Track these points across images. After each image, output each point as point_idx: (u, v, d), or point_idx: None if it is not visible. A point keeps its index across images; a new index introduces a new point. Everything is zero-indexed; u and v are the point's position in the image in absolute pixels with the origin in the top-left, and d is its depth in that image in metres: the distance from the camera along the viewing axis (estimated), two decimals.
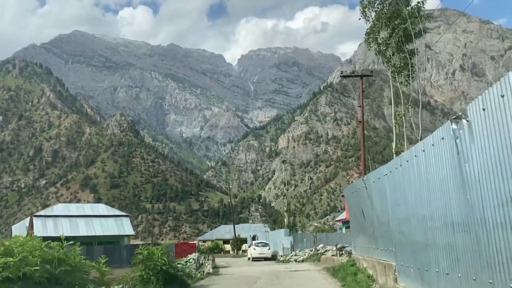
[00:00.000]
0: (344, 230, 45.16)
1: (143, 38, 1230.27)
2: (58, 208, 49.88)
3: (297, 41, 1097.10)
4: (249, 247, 42.86)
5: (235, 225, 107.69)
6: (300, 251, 33.54)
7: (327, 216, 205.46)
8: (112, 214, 50.13)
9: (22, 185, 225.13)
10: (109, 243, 43.74)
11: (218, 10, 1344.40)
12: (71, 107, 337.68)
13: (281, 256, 37.32)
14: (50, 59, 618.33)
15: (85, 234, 43.77)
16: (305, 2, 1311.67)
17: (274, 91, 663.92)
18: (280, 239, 39.54)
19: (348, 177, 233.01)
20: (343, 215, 46.69)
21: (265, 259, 36.14)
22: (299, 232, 60.95)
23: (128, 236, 49.16)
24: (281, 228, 50.21)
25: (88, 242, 41.86)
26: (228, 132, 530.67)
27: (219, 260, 39.14)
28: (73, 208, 50.16)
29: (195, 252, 41.15)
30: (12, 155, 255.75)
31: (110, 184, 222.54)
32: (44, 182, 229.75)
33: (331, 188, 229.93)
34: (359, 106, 32.84)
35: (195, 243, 51.95)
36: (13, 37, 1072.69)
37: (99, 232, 45.37)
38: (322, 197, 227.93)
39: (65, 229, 42.92)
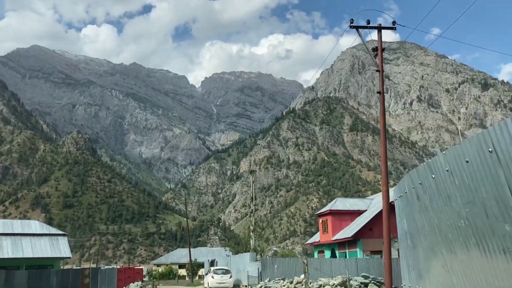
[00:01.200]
0: (316, 254, 42.13)
1: (106, 57, 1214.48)
2: None
3: (261, 66, 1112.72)
4: (206, 274, 36.15)
5: (193, 249, 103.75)
6: (270, 280, 26.99)
7: (286, 241, 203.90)
8: (46, 232, 41.64)
9: None
10: (41, 267, 37.38)
11: (183, 32, 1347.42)
12: (26, 123, 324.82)
13: (246, 286, 31.56)
14: (6, 73, 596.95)
15: (10, 256, 36.69)
16: (270, 29, 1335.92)
17: (237, 114, 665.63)
18: (245, 265, 33.52)
19: (308, 201, 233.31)
20: (315, 238, 43.57)
21: None
22: (268, 256, 54.80)
23: (63, 258, 41.82)
24: (245, 252, 44.08)
25: (13, 265, 37.02)
26: (189, 154, 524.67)
27: None
28: (3, 224, 42.08)
29: (140, 280, 37.59)
30: None
31: (63, 204, 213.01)
32: None
33: (291, 213, 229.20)
34: (379, 93, 33.53)
35: (141, 269, 44.82)
36: None
37: (28, 254, 37.65)
38: (282, 221, 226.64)
39: None
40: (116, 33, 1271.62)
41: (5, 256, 36.69)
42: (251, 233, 45.05)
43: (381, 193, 40.01)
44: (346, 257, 33.73)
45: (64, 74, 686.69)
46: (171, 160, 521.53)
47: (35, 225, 43.40)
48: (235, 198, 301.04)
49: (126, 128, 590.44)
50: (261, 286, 25.42)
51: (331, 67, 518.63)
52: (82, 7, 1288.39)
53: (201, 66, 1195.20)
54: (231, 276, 31.88)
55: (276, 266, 28.26)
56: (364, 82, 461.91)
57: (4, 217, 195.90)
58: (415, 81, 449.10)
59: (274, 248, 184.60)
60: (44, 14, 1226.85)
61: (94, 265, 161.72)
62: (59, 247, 39.87)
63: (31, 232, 40.75)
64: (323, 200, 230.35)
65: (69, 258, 41.75)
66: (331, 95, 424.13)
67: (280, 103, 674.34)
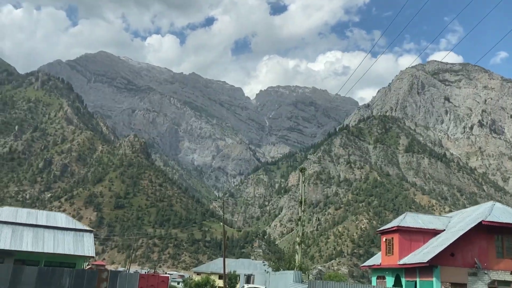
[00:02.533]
0: (374, 281, 35.15)
1: (167, 66, 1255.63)
2: (3, 212, 38.04)
3: (317, 82, 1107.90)
4: None
5: (234, 260, 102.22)
6: None
7: (332, 261, 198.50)
8: (71, 227, 37.73)
9: (27, 196, 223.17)
10: (62, 264, 34.15)
11: (242, 45, 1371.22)
12: (87, 124, 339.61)
13: None
14: (73, 76, 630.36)
15: (30, 250, 33.55)
16: (328, 46, 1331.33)
17: (289, 128, 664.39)
18: (287, 286, 27.01)
19: (357, 222, 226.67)
20: (375, 260, 36.33)
21: None
22: (313, 275, 51.19)
23: (87, 257, 37.33)
24: (288, 269, 35.41)
25: (33, 259, 33.73)
26: (239, 164, 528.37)
27: None
28: (22, 214, 37.97)
29: None
30: (22, 165, 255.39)
31: (114, 204, 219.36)
32: (49, 195, 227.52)
33: (339, 232, 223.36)
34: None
35: (167, 277, 38.52)
36: (42, 53, 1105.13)
37: (49, 249, 34.26)
38: (328, 240, 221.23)
39: (3, 240, 33.84)
40: (179, 44, 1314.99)
41: (24, 249, 33.52)
42: (297, 247, 35.70)
43: (462, 210, 34.85)
44: (416, 287, 28.06)
45: (126, 80, 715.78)
46: (222, 169, 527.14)
47: (61, 218, 38.97)
48: (281, 211, 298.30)
49: (181, 135, 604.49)
50: None
51: (388, 85, 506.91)
52: (148, 17, 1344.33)
53: (257, 80, 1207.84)
54: None
55: None
56: (423, 103, 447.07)
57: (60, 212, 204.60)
58: (477, 104, 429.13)
59: (319, 267, 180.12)
60: (113, 23, 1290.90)
61: (139, 267, 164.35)
62: (83, 244, 36.19)
63: (55, 225, 37.06)
64: (373, 222, 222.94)
65: (93, 257, 37.45)
66: (387, 114, 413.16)
67: (333, 119, 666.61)
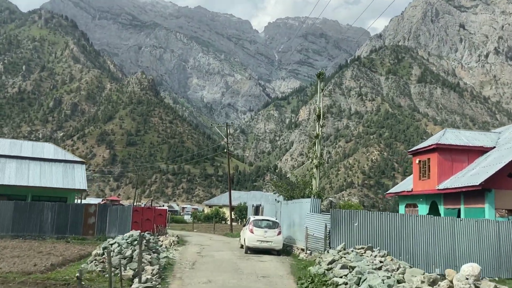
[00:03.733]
0: (402, 209, 29.54)
1: (174, 0, 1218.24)
2: None
3: (327, 13, 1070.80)
4: (244, 226, 25.09)
5: (245, 192, 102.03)
6: (347, 249, 15.39)
7: (343, 192, 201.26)
8: (60, 158, 33.42)
9: (40, 136, 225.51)
10: (51, 199, 30.39)
11: None
12: (94, 62, 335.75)
13: (303, 251, 20.44)
14: (77, 13, 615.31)
15: (13, 183, 29.84)
16: None
17: (299, 61, 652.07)
18: (303, 217, 21.66)
19: (368, 153, 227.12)
20: (404, 186, 30.72)
21: (269, 251, 21.25)
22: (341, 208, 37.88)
23: (78, 191, 33.39)
24: (304, 197, 28.12)
25: (18, 194, 29.92)
26: (249, 100, 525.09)
27: (198, 240, 28.48)
28: (4, 145, 33.80)
29: (162, 225, 29.72)
30: (33, 105, 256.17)
31: (126, 142, 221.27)
32: (61, 134, 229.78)
33: (349, 164, 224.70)
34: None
35: (165, 210, 34.07)
36: None
37: (35, 182, 30.47)
38: (339, 172, 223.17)
39: None
40: None
41: (7, 182, 29.74)
42: (315, 170, 27.27)
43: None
44: (459, 216, 22.88)
45: (131, 15, 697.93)
46: (231, 105, 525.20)
47: (48, 149, 34.67)
48: (292, 146, 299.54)
49: (189, 71, 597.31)
50: (334, 259, 13.90)
51: (401, 14, 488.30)
52: None
53: (265, 12, 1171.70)
54: (279, 233, 21.48)
55: (356, 224, 17.07)
56: (437, 31, 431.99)
57: (73, 151, 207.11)
58: (494, 31, 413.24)
59: (330, 198, 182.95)
60: None
61: (154, 201, 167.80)
62: (73, 177, 32.11)
63: (42, 156, 32.91)
64: (384, 153, 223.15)
65: (85, 190, 33.05)
66: (400, 43, 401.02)
67: (344, 51, 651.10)
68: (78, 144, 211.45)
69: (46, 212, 26.75)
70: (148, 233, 19.10)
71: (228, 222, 62.66)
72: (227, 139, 45.97)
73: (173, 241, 24.90)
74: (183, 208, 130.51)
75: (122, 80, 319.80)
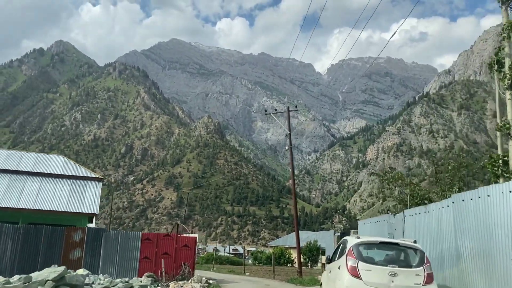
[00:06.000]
0: None
1: (238, 48, 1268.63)
2: None
3: (391, 52, 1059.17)
4: (329, 261, 10.75)
5: (314, 233, 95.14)
6: None
7: None
8: (68, 174, 24.50)
9: (112, 180, 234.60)
10: (53, 225, 19.67)
11: (311, 22, 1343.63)
12: (164, 109, 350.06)
13: None
14: (148, 65, 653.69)
15: (5, 205, 21.20)
16: (403, 13, 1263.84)
17: (363, 101, 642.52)
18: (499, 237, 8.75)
19: (442, 192, 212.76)
20: None
21: None
22: None
23: (88, 216, 23.14)
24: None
25: (6, 221, 19.24)
26: (314, 141, 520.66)
27: None
28: (7, 157, 25.49)
29: (187, 263, 19.71)
30: (106, 151, 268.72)
31: (193, 184, 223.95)
32: (132, 178, 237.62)
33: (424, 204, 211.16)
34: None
35: (193, 239, 21.48)
36: (120, 45, 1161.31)
37: (28, 204, 21.66)
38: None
39: None
40: (248, 26, 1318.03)
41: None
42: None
43: None
44: None
45: (198, 65, 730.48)
46: (296, 147, 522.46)
47: (56, 163, 25.95)
48: (361, 186, 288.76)
49: (254, 115, 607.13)
50: None
51: (471, 48, 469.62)
52: (217, 2, 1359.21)
53: (328, 55, 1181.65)
54: (429, 278, 8.91)
55: None
56: None
57: (142, 194, 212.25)
58: None
59: None
60: (184, 11, 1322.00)
61: (220, 245, 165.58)
62: (83, 198, 22.87)
63: (44, 171, 24.41)
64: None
65: (95, 215, 23.21)
66: (471, 78, 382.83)
67: (411, 89, 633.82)
68: (148, 187, 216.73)
69: (4, 239, 17.87)
70: (150, 277, 13.45)
71: (295, 265, 54.66)
72: (289, 126, 25.90)
73: None
74: (248, 251, 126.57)
75: (189, 125, 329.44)
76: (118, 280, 11.48)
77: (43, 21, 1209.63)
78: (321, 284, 11.30)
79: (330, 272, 10.17)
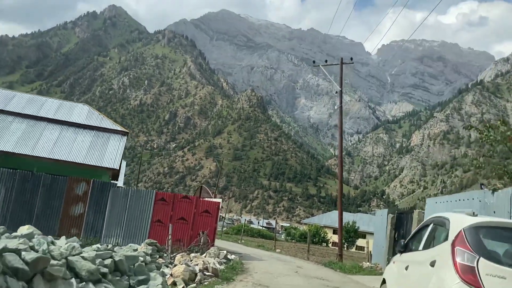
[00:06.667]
0: None
1: (288, 23, 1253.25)
2: None
3: (447, 36, 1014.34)
4: (402, 250, 6.93)
5: (351, 214, 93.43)
6: None
7: None
8: (92, 124, 21.96)
9: (155, 146, 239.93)
10: (69, 176, 17.32)
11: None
12: (209, 79, 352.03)
13: None
14: (197, 35, 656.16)
15: (13, 151, 18.97)
16: None
17: (413, 85, 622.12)
18: None
19: (489, 186, 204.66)
20: None
21: None
22: None
23: (109, 170, 19.77)
24: None
25: (20, 168, 17.14)
26: (357, 122, 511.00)
27: (271, 270, 14.41)
28: (19, 101, 22.80)
29: (209, 231, 17.16)
30: (151, 117, 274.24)
31: (232, 156, 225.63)
32: (174, 145, 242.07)
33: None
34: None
35: (217, 204, 18.25)
36: (172, 13, 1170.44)
37: (44, 152, 19.45)
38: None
39: None
40: (299, 0, 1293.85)
41: (5, 148, 19.02)
42: None
43: None
44: None
45: (246, 37, 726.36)
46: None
47: (80, 112, 23.13)
48: (402, 172, 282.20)
49: (298, 92, 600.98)
50: None
51: None
52: None
53: (380, 35, 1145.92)
54: None
55: None
56: None
57: (183, 161, 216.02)
58: None
59: None
60: None
61: (254, 217, 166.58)
62: (104, 151, 20.30)
63: (66, 119, 21.88)
64: (509, 187, 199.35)
65: (116, 170, 20.06)
66: None
67: (464, 75, 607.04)
68: (188, 155, 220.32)
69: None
70: (151, 245, 11.43)
71: (331, 246, 51.55)
72: (341, 82, 25.42)
73: (206, 269, 10.80)
74: (282, 226, 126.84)
75: (233, 97, 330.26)
76: (97, 247, 8.50)
77: None
78: (384, 282, 7.49)
79: (406, 269, 6.21)
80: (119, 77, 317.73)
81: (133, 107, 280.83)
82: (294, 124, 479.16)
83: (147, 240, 12.44)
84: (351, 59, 23.99)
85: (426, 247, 5.99)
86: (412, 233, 6.94)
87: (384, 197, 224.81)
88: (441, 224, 5.89)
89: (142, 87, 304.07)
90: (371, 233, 64.56)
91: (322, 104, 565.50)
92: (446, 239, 5.33)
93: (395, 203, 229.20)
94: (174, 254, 12.83)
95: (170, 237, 14.13)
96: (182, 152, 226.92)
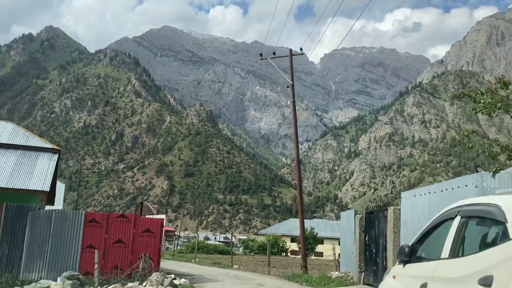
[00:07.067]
0: None
1: (232, 37, 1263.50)
2: None
3: (385, 42, 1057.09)
4: (406, 258, 4.77)
5: (308, 220, 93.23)
6: None
7: None
8: (17, 143, 19.16)
9: (102, 168, 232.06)
10: None
11: (305, 10, 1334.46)
12: (155, 96, 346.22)
13: None
14: (140, 52, 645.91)
15: None
16: (397, 3, 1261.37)
17: (356, 91, 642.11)
18: None
19: (435, 183, 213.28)
20: None
21: None
22: None
23: (39, 193, 16.86)
24: None
25: None
26: (306, 130, 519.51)
27: None
28: None
29: (151, 253, 14.74)
30: (96, 139, 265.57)
31: (184, 172, 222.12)
32: (122, 166, 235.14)
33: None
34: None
35: (160, 221, 15.89)
36: (112, 32, 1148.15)
37: None
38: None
39: None
40: (242, 14, 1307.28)
41: None
42: None
43: None
44: None
45: (191, 52, 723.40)
46: (288, 136, 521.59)
47: (2, 130, 20.18)
48: (352, 175, 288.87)
49: (247, 104, 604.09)
50: None
51: (463, 39, 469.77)
52: None
53: (321, 44, 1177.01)
54: None
55: None
56: (503, 55, 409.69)
57: (133, 182, 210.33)
58: None
59: None
60: None
61: (211, 233, 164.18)
62: (31, 172, 17.70)
63: None
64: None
65: (45, 192, 16.97)
66: (464, 69, 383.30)
67: (404, 79, 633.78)
68: (138, 175, 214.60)
69: None
70: (70, 278, 9.94)
71: (291, 255, 51.00)
72: (292, 73, 22.81)
73: None
74: (239, 239, 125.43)
75: (181, 113, 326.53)
76: None
77: (33, 7, 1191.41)
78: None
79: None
80: (60, 99, 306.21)
81: (77, 130, 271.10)
82: (245, 136, 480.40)
83: (65, 273, 10.60)
84: (301, 49, 22.84)
85: (456, 253, 3.90)
86: (419, 234, 4.85)
87: (337, 201, 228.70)
88: (480, 216, 3.82)
89: (85, 108, 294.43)
90: (330, 238, 65.11)
91: (271, 114, 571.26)
92: (506, 237, 3.22)
93: (348, 207, 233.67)
94: (105, 287, 10.82)
95: (97, 266, 11.92)
96: (132, 172, 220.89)
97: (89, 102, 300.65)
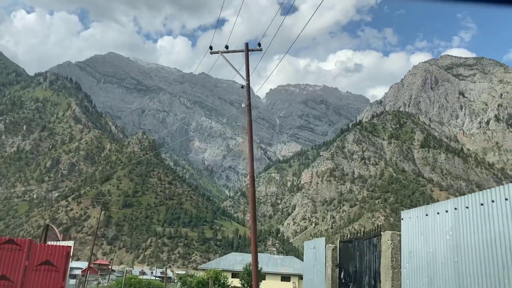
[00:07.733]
0: None
1: (179, 67, 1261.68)
2: None
3: (328, 81, 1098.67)
4: None
5: (249, 255, 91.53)
6: None
7: None
8: None
9: (34, 196, 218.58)
10: None
11: (253, 46, 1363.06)
12: (96, 123, 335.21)
13: None
14: (83, 77, 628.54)
15: None
16: (340, 45, 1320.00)
17: (299, 126, 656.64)
18: None
19: (373, 219, 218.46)
20: None
21: None
22: None
23: None
24: None
25: None
26: None
27: None
28: None
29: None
30: (30, 165, 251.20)
31: (123, 203, 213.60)
32: (56, 194, 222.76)
33: (355, 230, 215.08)
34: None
35: (67, 249, 12.53)
36: (55, 56, 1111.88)
37: None
38: (344, 238, 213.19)
39: None
40: (190, 46, 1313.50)
41: None
42: None
43: None
44: None
45: (136, 80, 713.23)
46: (232, 168, 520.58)
47: None
48: (294, 210, 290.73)
49: (192, 134, 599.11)
50: None
51: (401, 81, 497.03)
52: (160, 19, 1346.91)
53: (268, 80, 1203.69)
54: None
55: None
56: (437, 98, 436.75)
57: (66, 212, 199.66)
58: (493, 99, 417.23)
59: None
60: (125, 25, 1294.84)
61: (147, 268, 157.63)
62: None
63: None
64: (390, 218, 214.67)
65: None
66: (401, 109, 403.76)
67: (344, 117, 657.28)
68: (73, 205, 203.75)
69: None
70: None
71: None
72: (248, 71, 19.47)
73: None
74: (177, 274, 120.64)
75: (122, 141, 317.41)
76: None
77: None
78: None
79: None
80: None
81: (9, 155, 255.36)
82: (188, 167, 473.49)
83: None
84: (259, 44, 20.33)
85: None
86: None
87: (278, 235, 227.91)
88: None
89: (20, 133, 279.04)
90: (272, 274, 63.56)
91: (216, 146, 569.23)
92: None
93: (290, 241, 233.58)
94: None
95: None
96: (66, 201, 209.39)
97: (24, 126, 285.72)
